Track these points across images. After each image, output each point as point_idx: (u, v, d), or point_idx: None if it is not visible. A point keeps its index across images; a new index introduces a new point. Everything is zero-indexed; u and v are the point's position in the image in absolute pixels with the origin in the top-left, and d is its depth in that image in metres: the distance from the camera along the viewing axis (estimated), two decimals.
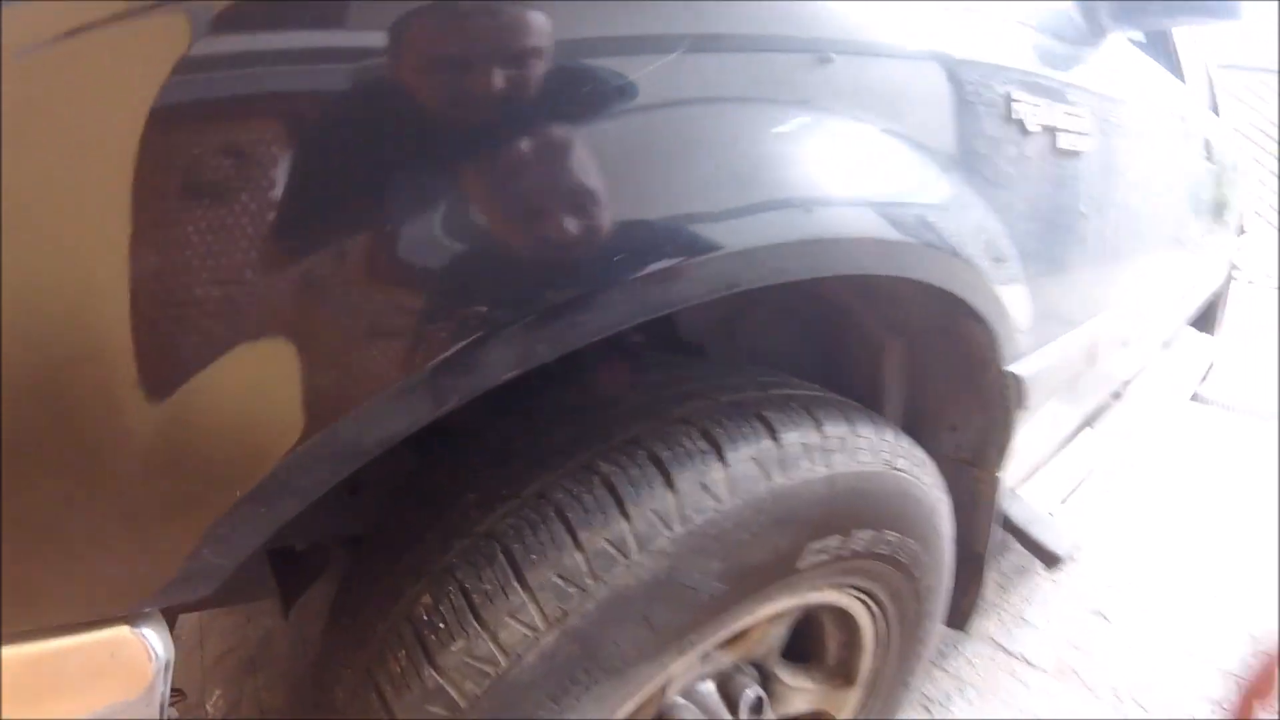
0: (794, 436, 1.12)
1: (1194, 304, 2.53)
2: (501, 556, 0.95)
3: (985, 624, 2.14)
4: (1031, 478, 2.02)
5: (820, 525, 1.16)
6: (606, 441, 1.06)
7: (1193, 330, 2.66)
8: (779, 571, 1.14)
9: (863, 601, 1.42)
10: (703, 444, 1.05)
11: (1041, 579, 2.35)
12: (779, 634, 1.39)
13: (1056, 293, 1.65)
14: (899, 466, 1.28)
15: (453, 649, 0.92)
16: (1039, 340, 1.61)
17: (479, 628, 0.92)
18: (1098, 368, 1.97)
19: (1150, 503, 2.60)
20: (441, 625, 0.93)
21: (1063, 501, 2.02)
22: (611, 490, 0.98)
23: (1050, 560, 1.92)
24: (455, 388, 0.74)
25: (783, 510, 1.09)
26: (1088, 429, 2.16)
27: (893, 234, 1.08)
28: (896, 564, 1.37)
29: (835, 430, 1.18)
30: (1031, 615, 2.24)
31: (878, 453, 1.24)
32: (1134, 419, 2.26)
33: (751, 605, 1.15)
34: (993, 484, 1.66)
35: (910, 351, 1.61)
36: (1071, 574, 2.33)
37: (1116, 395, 2.28)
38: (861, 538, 1.24)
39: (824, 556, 1.19)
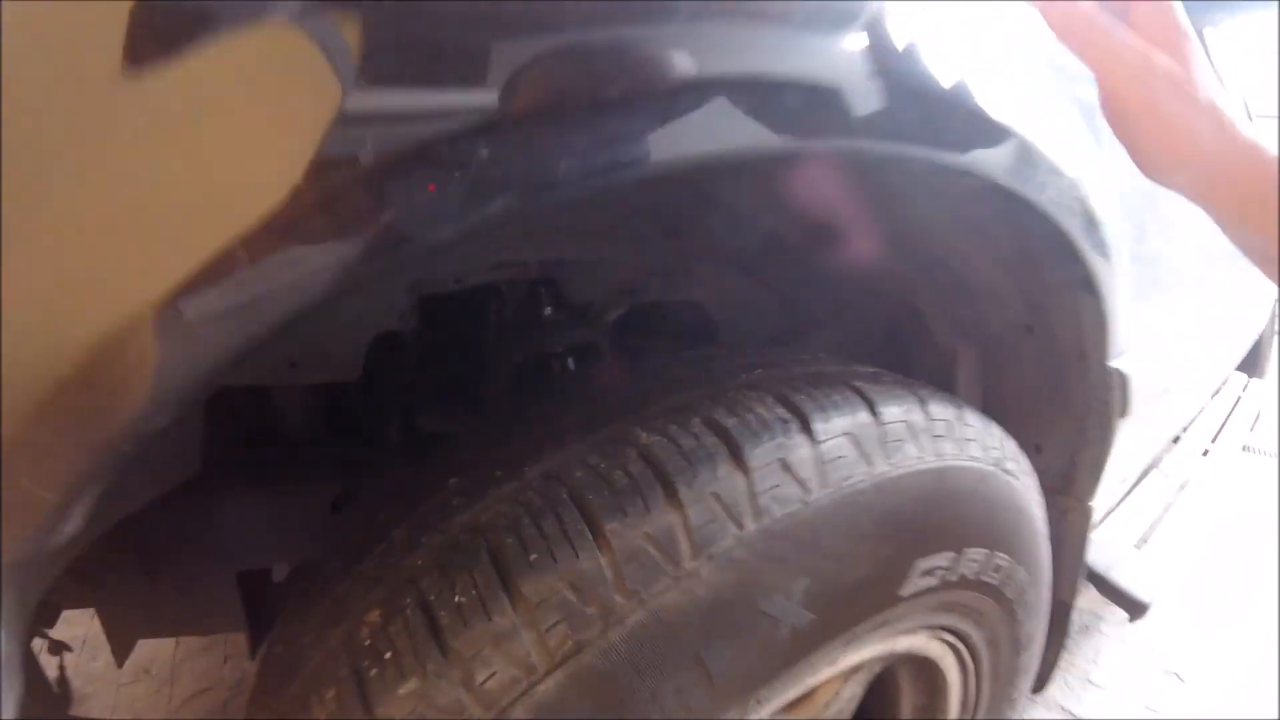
0: (896, 412, 0.72)
1: (1243, 346, 2.14)
2: (486, 558, 0.54)
3: (1049, 688, 1.68)
4: (1104, 521, 1.59)
5: (931, 535, 0.75)
6: (647, 408, 0.65)
7: (1241, 375, 2.26)
8: (879, 598, 0.73)
9: (954, 650, 0.99)
10: (781, 411, 0.65)
11: (1107, 637, 1.88)
12: (853, 694, 0.96)
13: (1150, 281, 1.25)
14: (1010, 470, 0.87)
15: (401, 692, 0.51)
16: (1132, 336, 1.21)
17: (443, 662, 0.51)
18: (1181, 385, 1.57)
19: (1211, 553, 2.15)
20: (388, 655, 0.53)
21: (1139, 546, 1.58)
22: (654, 466, 0.58)
23: (1135, 610, 1.48)
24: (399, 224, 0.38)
25: (888, 509, 0.69)
26: (1155, 471, 1.74)
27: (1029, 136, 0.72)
28: (1001, 599, 0.94)
29: (942, 413, 0.78)
30: (1099, 677, 1.77)
31: (988, 449, 0.84)
32: (1195, 465, 1.83)
33: (838, 648, 0.74)
34: (1084, 515, 1.23)
35: (985, 359, 1.20)
36: (1138, 631, 1.86)
37: (1176, 440, 1.85)
38: (974, 559, 0.83)
39: (930, 581, 0.78)
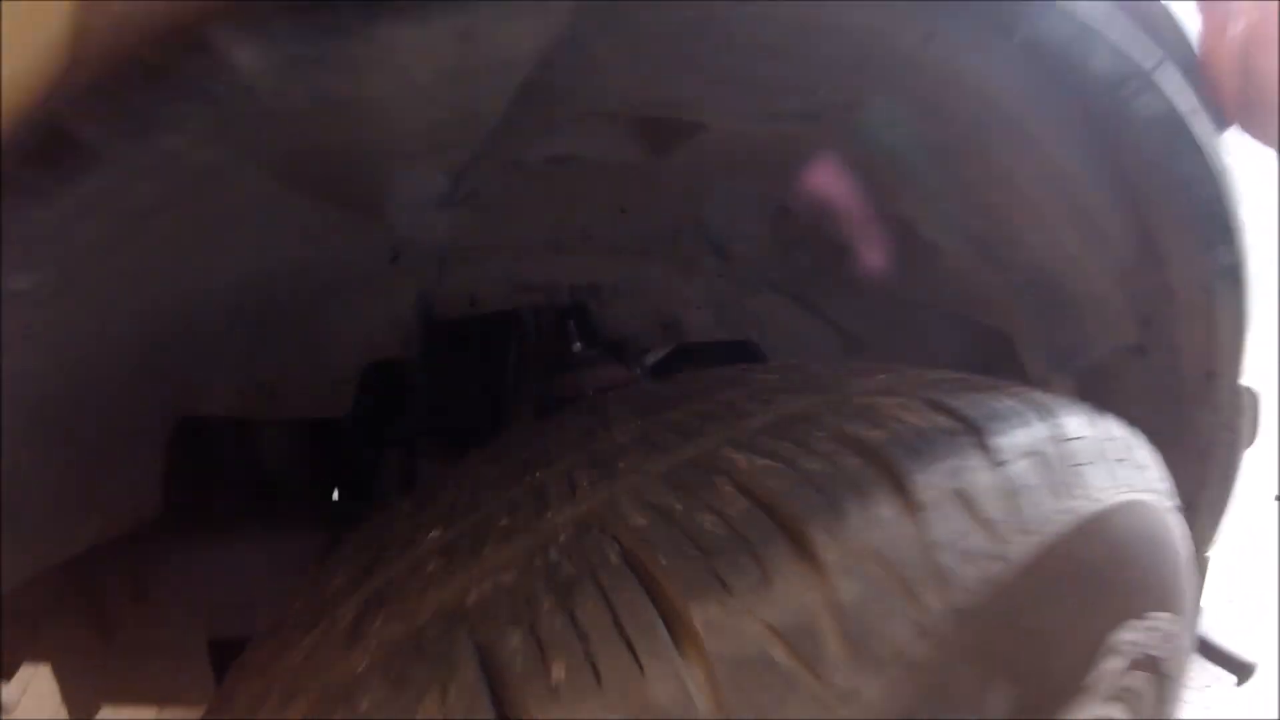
0: (1077, 426, 0.44)
1: None
2: (472, 668, 0.26)
3: None
4: None
5: (1126, 599, 0.47)
6: (737, 422, 0.37)
7: None
8: (1065, 692, 0.44)
9: None
10: (943, 420, 0.36)
11: (1188, 704, 1.52)
12: None
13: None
14: (1176, 507, 0.60)
15: None
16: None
17: None
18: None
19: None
20: None
21: (1230, 601, 1.27)
22: (769, 507, 0.30)
23: (1243, 673, 1.15)
24: None
25: (1086, 562, 0.41)
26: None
27: None
28: (1161, 677, 0.64)
29: (1116, 432, 0.50)
30: None
31: (1160, 478, 0.56)
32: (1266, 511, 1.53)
33: None
34: (1202, 570, 0.92)
35: (1083, 393, 0.91)
36: (1222, 697, 1.50)
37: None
38: (1156, 627, 0.54)
39: (1117, 662, 0.49)
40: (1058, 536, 0.38)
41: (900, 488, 0.31)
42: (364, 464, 0.88)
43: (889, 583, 0.29)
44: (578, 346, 0.93)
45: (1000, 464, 0.35)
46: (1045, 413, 0.42)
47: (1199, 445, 0.84)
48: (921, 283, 0.79)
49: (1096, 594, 0.43)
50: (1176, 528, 0.58)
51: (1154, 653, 0.58)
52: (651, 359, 1.03)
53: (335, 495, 0.91)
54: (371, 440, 0.87)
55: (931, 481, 0.32)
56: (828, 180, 0.69)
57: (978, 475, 0.34)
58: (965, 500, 0.33)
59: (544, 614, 0.26)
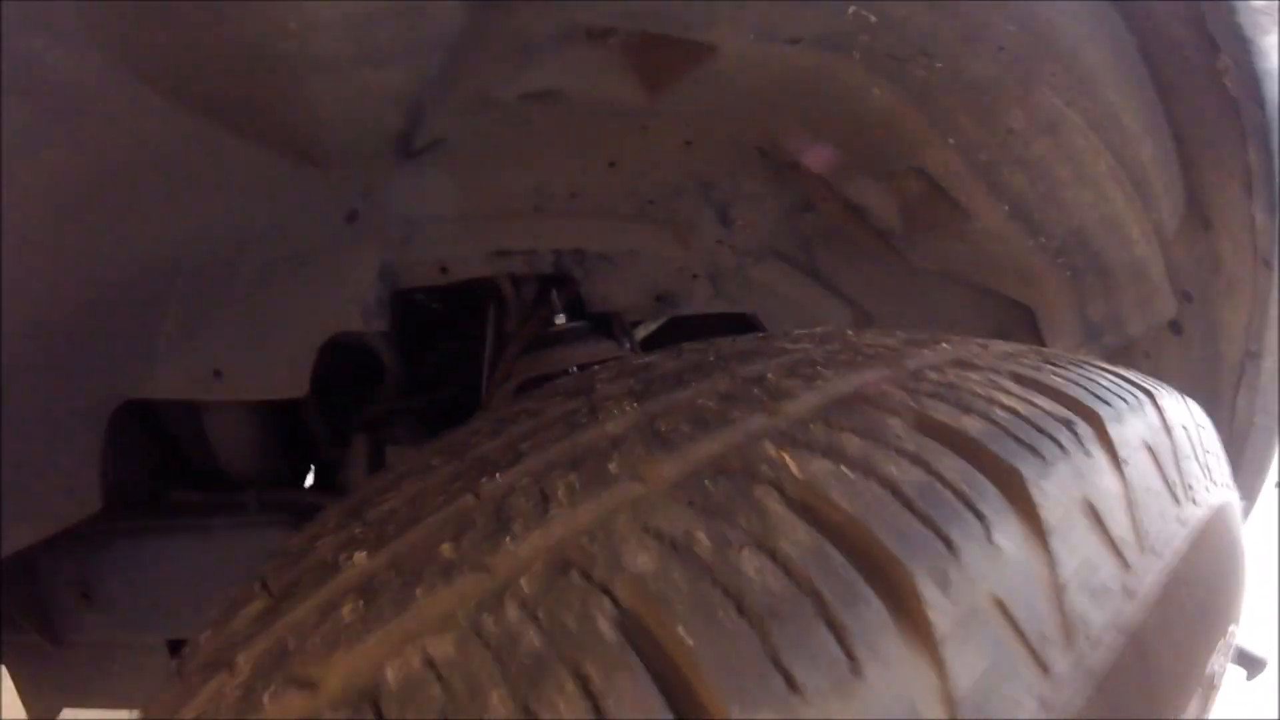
0: (1176, 411, 0.34)
1: None
2: None
3: None
4: None
5: (1220, 618, 0.38)
6: (775, 405, 0.26)
7: None
8: None
9: None
10: (1046, 402, 0.26)
11: None
12: None
13: None
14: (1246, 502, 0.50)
15: None
16: None
17: None
18: None
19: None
20: None
21: None
22: (835, 536, 0.19)
23: (1255, 668, 1.09)
24: None
25: (1196, 583, 0.31)
26: None
27: None
28: (1209, 691, 0.55)
29: (1201, 417, 0.40)
30: None
31: (1231, 474, 0.47)
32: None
33: None
34: None
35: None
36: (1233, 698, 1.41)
37: None
38: (1230, 643, 0.45)
39: (1203, 690, 0.39)
40: (1179, 557, 0.28)
41: (1025, 504, 0.21)
42: (332, 451, 0.78)
43: (1012, 646, 0.19)
44: (561, 319, 0.82)
45: (1124, 463, 0.26)
46: (1147, 393, 0.32)
47: (1235, 429, 0.75)
48: (944, 249, 0.69)
49: (1202, 618, 0.33)
50: (1242, 525, 0.50)
51: (1217, 668, 0.49)
52: (643, 333, 0.93)
53: (309, 483, 0.80)
54: (338, 424, 0.77)
55: (1057, 492, 0.22)
56: (846, 128, 0.59)
57: (1103, 480, 0.24)
58: (1094, 516, 0.23)
59: (491, 710, 0.16)
